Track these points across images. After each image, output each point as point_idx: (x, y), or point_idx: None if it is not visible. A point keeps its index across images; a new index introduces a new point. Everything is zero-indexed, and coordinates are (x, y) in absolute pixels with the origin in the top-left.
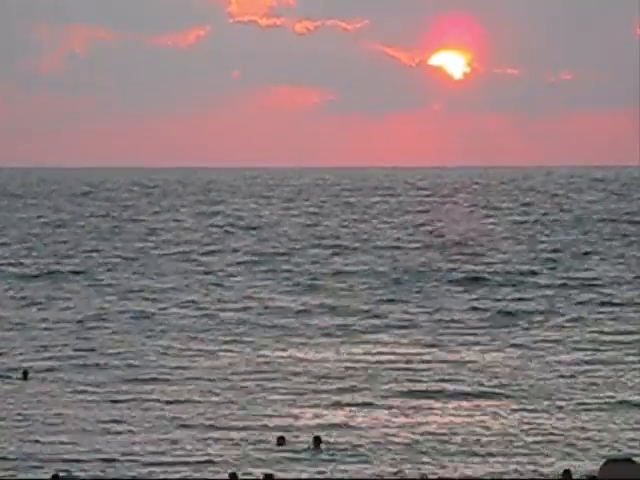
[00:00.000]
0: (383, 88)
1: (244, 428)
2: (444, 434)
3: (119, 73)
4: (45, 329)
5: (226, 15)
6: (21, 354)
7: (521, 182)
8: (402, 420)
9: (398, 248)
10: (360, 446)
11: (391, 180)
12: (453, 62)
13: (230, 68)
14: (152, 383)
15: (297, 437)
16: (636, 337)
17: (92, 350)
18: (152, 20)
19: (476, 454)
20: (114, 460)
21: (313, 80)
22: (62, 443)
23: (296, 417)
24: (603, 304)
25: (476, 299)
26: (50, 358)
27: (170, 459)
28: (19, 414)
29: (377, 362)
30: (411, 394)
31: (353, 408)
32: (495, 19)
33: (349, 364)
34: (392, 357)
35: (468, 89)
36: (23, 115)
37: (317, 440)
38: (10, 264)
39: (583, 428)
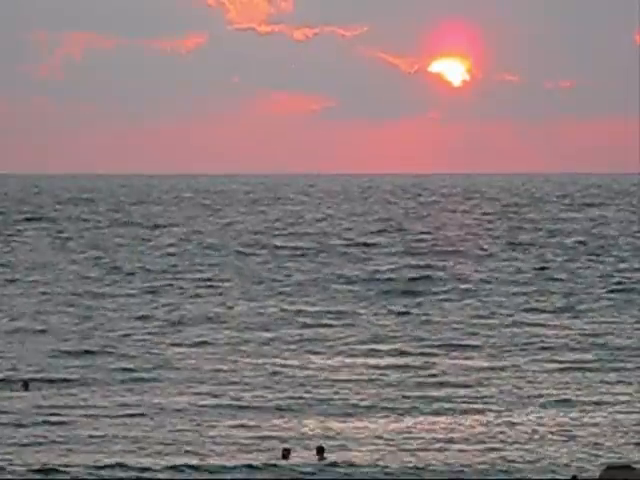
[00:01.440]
0: (382, 95)
1: (248, 438)
2: (447, 440)
3: (118, 79)
4: (45, 334)
5: (225, 22)
6: (22, 364)
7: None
8: (404, 427)
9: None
10: (364, 455)
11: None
12: (452, 69)
13: (229, 75)
14: (153, 390)
15: (301, 449)
16: (636, 339)
17: (92, 354)
18: (151, 27)
19: (479, 460)
20: (114, 466)
21: (312, 87)
22: (65, 450)
23: (300, 428)
24: (602, 306)
25: (468, 303)
26: (51, 368)
27: (172, 466)
28: (20, 424)
29: (377, 368)
30: (413, 400)
31: (355, 417)
32: (494, 26)
33: (350, 372)
34: (393, 363)
35: (467, 96)
36: (21, 120)
37: (320, 450)
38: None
39: (583, 434)
